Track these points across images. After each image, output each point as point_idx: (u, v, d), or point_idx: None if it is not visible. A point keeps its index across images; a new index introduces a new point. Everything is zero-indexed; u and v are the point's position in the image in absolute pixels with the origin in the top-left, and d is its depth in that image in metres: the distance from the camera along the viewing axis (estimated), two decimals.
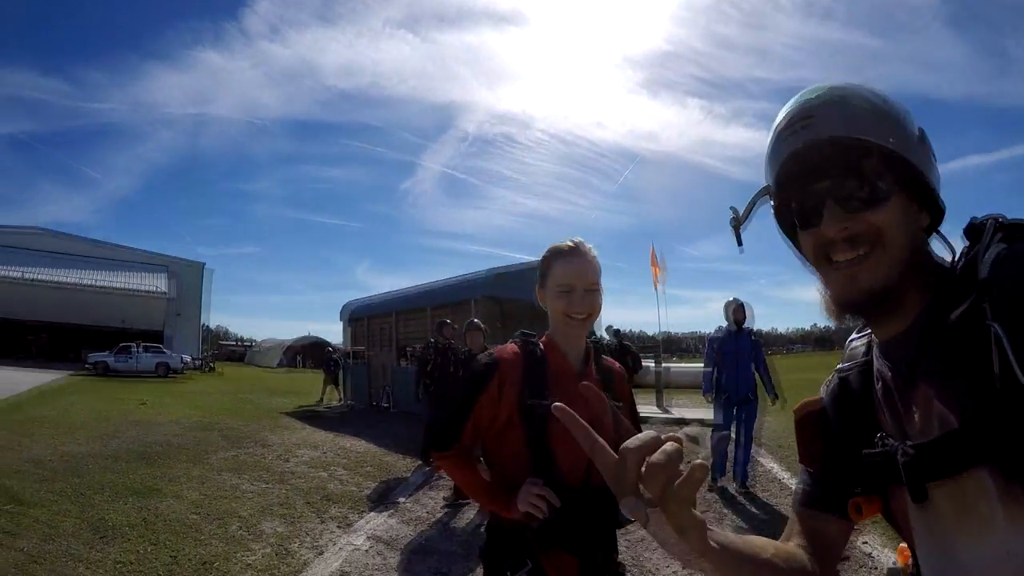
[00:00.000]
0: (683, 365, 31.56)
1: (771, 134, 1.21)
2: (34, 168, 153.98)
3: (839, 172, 1.09)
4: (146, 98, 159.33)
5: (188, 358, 45.70)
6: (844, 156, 1.07)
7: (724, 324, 9.24)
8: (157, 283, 56.54)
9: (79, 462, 10.09)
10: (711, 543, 0.93)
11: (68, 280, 53.85)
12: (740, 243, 1.41)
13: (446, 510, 8.31)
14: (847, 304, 1.13)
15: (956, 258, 1.09)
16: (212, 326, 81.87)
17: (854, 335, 1.32)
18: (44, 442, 11.94)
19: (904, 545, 1.25)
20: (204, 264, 64.12)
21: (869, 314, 1.15)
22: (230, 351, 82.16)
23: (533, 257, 24.62)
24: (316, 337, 73.38)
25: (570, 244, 2.33)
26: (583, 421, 1.04)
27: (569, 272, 2.27)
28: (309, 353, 69.35)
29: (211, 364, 52.36)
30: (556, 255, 2.33)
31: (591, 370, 2.32)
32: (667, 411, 18.70)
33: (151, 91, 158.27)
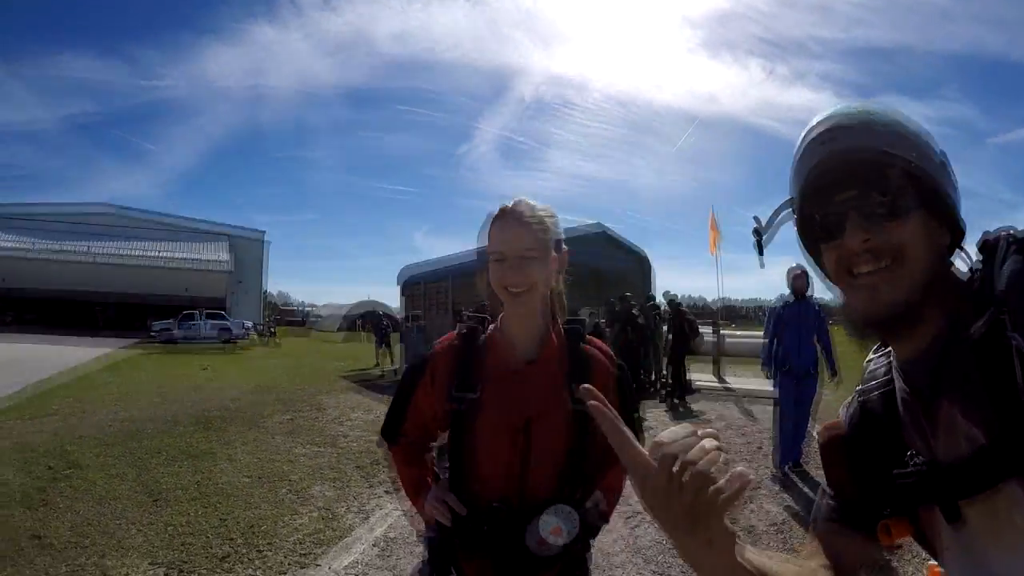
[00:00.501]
0: (742, 334, 30.97)
1: (797, 146, 1.20)
2: (96, 147, 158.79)
3: (862, 184, 1.09)
4: (202, 73, 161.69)
5: (249, 324, 46.87)
6: (868, 169, 1.08)
7: (786, 293, 8.75)
8: (219, 253, 58.36)
9: (138, 428, 10.47)
10: (740, 560, 0.92)
11: (132, 253, 55.94)
12: (761, 253, 1.41)
13: None
14: (869, 320, 1.11)
15: (973, 274, 1.09)
16: (274, 293, 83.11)
17: (871, 355, 1.30)
18: (106, 409, 12.44)
19: (934, 563, 1.24)
20: (264, 233, 65.62)
21: (890, 330, 1.13)
22: (291, 318, 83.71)
23: (591, 220, 24.48)
24: (374, 302, 74.15)
25: (505, 205, 1.99)
26: (612, 413, 0.95)
27: (499, 237, 1.95)
28: (367, 319, 70.29)
29: (272, 330, 53.44)
30: (490, 219, 2.01)
31: (549, 357, 1.95)
32: (724, 381, 18.51)
33: (207, 66, 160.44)
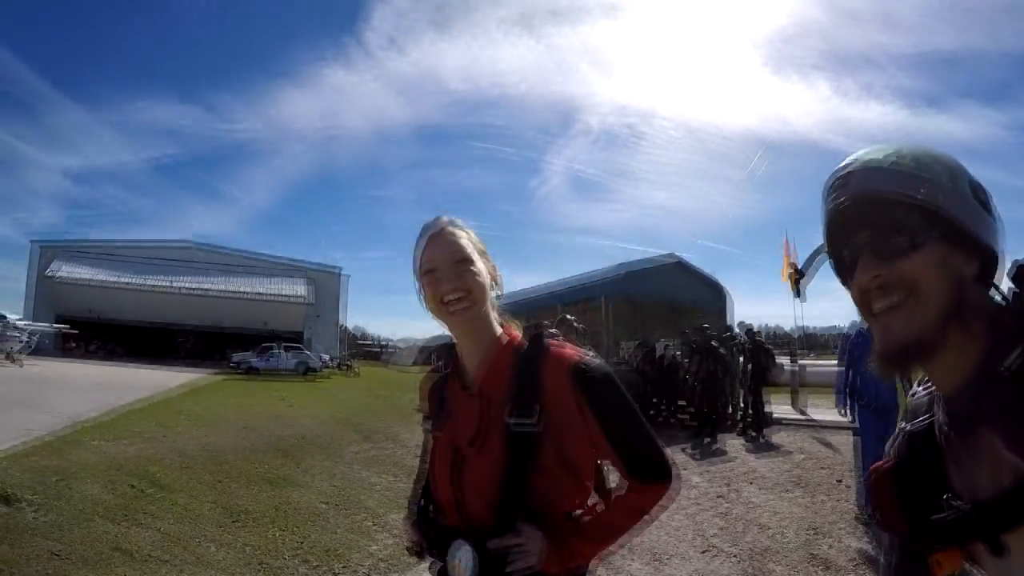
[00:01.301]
0: (821, 363, 30.29)
1: (822, 194, 1.27)
2: (178, 188, 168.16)
3: (873, 225, 1.16)
4: (277, 117, 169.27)
5: (327, 357, 47.90)
6: (876, 210, 1.15)
7: (859, 319, 8.41)
8: (297, 288, 60.88)
9: (219, 452, 10.77)
10: None
11: (213, 287, 58.93)
12: (798, 295, 1.44)
13: None
14: (885, 355, 1.16)
15: (1007, 303, 1.14)
16: (350, 327, 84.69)
17: (916, 387, 1.34)
18: (188, 434, 12.80)
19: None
20: (341, 269, 67.84)
21: (907, 365, 1.17)
22: (367, 351, 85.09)
23: (664, 252, 24.38)
24: (450, 337, 74.96)
25: (427, 224, 1.97)
26: None
27: (428, 254, 1.89)
28: (443, 351, 70.96)
29: (348, 363, 54.45)
30: (418, 240, 1.97)
31: (488, 382, 1.85)
32: (804, 412, 18.06)
33: (281, 110, 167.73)
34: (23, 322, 44.16)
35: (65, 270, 58.20)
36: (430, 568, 1.96)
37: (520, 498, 1.70)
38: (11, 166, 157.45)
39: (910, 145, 1.20)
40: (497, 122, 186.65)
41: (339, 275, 66.73)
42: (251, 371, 40.44)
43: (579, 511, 1.82)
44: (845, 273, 1.27)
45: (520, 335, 1.93)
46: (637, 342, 20.66)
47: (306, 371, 42.00)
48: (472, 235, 1.94)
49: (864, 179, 1.17)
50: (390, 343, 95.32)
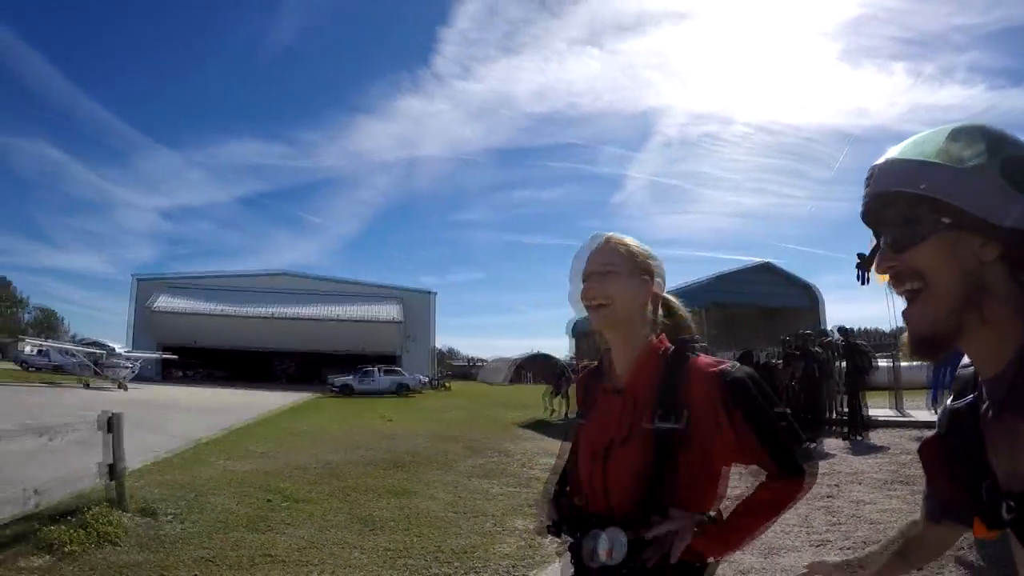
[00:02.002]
0: (920, 363, 29.29)
1: None
2: (267, 222, 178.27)
3: (888, 219, 1.21)
4: (358, 149, 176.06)
5: (424, 378, 48.75)
6: (886, 205, 1.21)
7: None
8: (390, 312, 62.67)
9: (338, 468, 11.22)
10: None
11: (309, 314, 61.16)
12: (860, 281, 1.50)
13: None
14: (911, 345, 1.20)
15: None
16: (442, 348, 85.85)
17: (965, 358, 1.34)
18: (304, 451, 13.42)
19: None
20: (434, 293, 69.96)
21: (932, 353, 1.20)
22: (459, 370, 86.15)
23: (752, 258, 24.09)
24: (541, 352, 75.36)
25: (595, 236, 2.15)
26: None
27: (583, 259, 2.09)
28: (534, 368, 71.27)
29: (444, 383, 55.38)
30: (579, 250, 2.16)
31: (637, 385, 1.98)
32: (904, 414, 17.64)
33: (362, 142, 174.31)
34: (128, 351, 46.22)
35: (165, 302, 61.19)
36: (558, 549, 2.15)
37: (662, 495, 1.82)
38: (109, 209, 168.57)
39: (942, 130, 1.21)
40: (575, 140, 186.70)
41: (431, 296, 68.34)
42: (350, 393, 41.69)
43: (712, 512, 1.93)
44: None
45: (668, 344, 2.03)
46: (741, 352, 20.54)
47: (398, 388, 43.00)
48: (634, 250, 2.06)
49: (880, 175, 1.22)
50: (479, 361, 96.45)
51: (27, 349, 58.26)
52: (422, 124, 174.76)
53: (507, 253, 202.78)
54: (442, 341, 78.12)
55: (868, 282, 1.46)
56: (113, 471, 7.46)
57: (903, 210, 1.17)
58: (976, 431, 1.22)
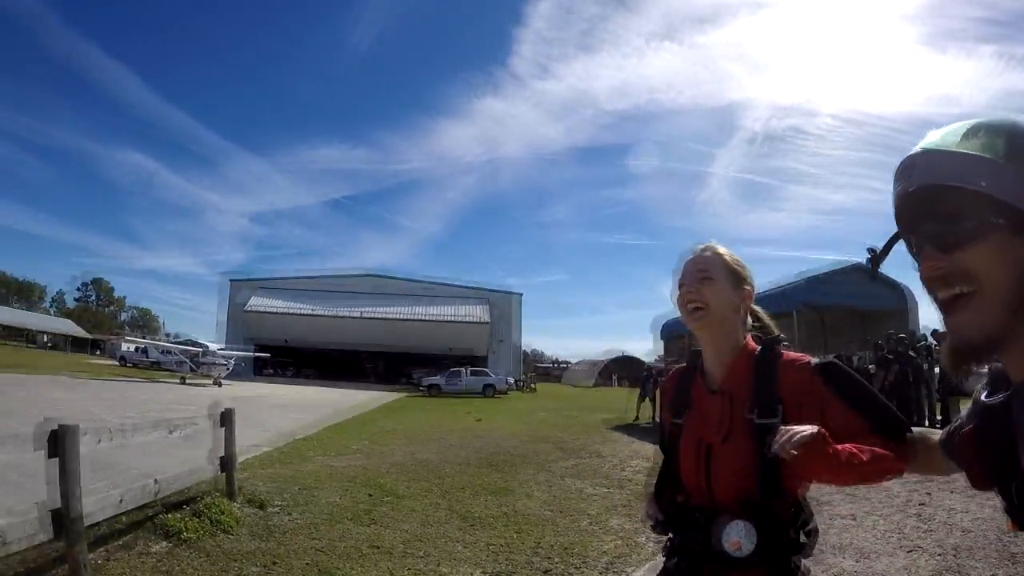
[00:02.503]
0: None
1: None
2: (355, 224, 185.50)
3: (934, 215, 1.14)
4: (441, 151, 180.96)
5: (510, 379, 49.18)
6: (936, 201, 1.13)
7: None
8: (478, 312, 63.93)
9: (435, 466, 11.53)
10: None
11: (397, 313, 62.77)
12: (875, 277, 1.53)
13: None
14: (955, 353, 1.16)
15: None
16: (527, 349, 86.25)
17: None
18: (400, 449, 13.83)
19: None
20: (521, 294, 70.91)
21: (977, 362, 1.17)
22: (545, 371, 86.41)
23: (844, 257, 23.55)
24: (627, 354, 75.25)
25: (694, 245, 2.27)
26: None
27: (683, 264, 2.22)
28: (620, 370, 71.06)
29: (529, 384, 55.70)
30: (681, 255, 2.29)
31: (732, 384, 2.09)
32: None
33: (444, 144, 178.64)
34: (223, 349, 47.85)
35: (257, 302, 63.29)
36: (665, 547, 2.20)
37: (766, 488, 1.91)
38: (201, 213, 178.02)
39: (992, 120, 1.16)
40: (656, 137, 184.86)
41: (517, 298, 69.15)
42: (433, 390, 42.75)
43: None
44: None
45: (756, 345, 2.15)
46: (833, 356, 20.16)
47: (485, 389, 43.64)
48: (727, 259, 2.18)
49: (926, 167, 1.15)
50: (563, 362, 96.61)
51: (126, 347, 61.16)
52: (503, 125, 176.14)
53: (591, 253, 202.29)
54: (527, 342, 78.37)
55: (877, 277, 1.52)
56: (224, 463, 7.82)
57: (954, 207, 1.11)
58: (1008, 430, 1.20)
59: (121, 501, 5.92)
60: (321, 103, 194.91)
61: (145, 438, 7.06)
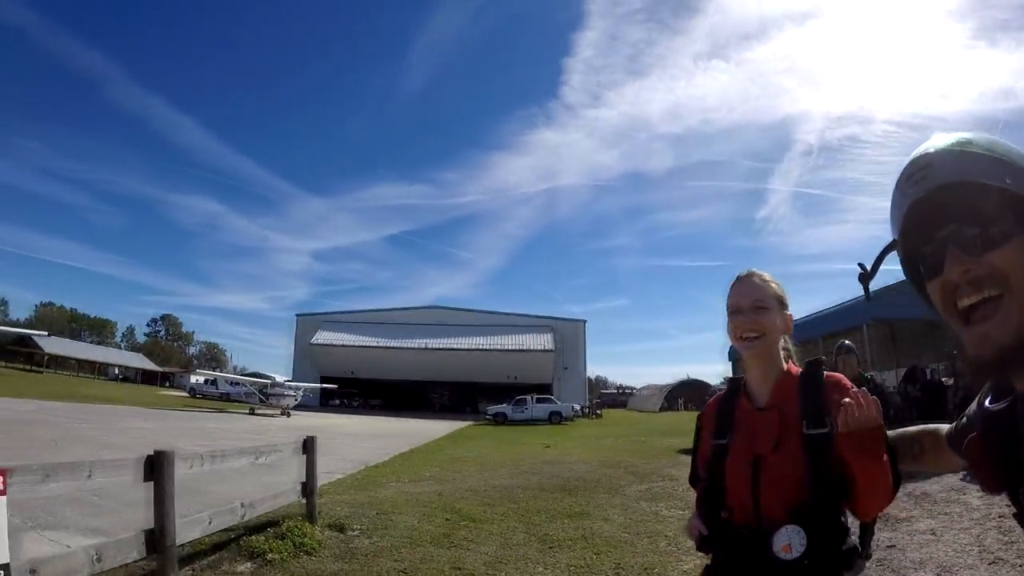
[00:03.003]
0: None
1: (894, 187, 1.28)
2: (415, 258, 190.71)
3: (959, 217, 1.12)
4: (499, 184, 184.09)
5: (577, 407, 49.21)
6: (962, 201, 1.10)
7: None
8: (542, 341, 63.98)
9: (510, 491, 11.61)
10: None
11: (462, 345, 63.44)
12: (868, 298, 1.61)
13: None
14: (981, 362, 1.13)
15: None
16: (591, 376, 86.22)
17: None
18: (473, 476, 13.99)
19: None
20: (585, 321, 70.79)
21: (1004, 370, 1.16)
22: (609, 398, 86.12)
23: None
24: (692, 378, 74.82)
25: (740, 273, 2.37)
26: None
27: (734, 294, 2.31)
28: (686, 394, 70.60)
29: (597, 411, 55.60)
30: (730, 285, 2.37)
31: (780, 401, 2.18)
32: None
33: (502, 177, 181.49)
34: (293, 382, 48.85)
35: (323, 336, 64.62)
36: (707, 570, 2.24)
37: (819, 494, 1.98)
38: (264, 253, 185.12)
39: (982, 134, 1.16)
40: (712, 157, 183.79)
41: (582, 325, 69.17)
42: (500, 419, 43.46)
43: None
44: (920, 272, 1.26)
45: (797, 367, 2.28)
46: (907, 369, 19.97)
47: (551, 417, 43.86)
48: (775, 287, 2.30)
49: (947, 166, 1.12)
50: (627, 389, 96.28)
51: (196, 379, 62.91)
52: (558, 154, 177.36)
53: (652, 278, 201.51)
54: (590, 370, 78.33)
55: (871, 298, 1.60)
56: (306, 488, 8.02)
57: (983, 205, 1.09)
58: (1013, 436, 1.19)
59: (210, 523, 6.13)
60: (379, 144, 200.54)
61: (235, 464, 7.27)
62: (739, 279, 2.33)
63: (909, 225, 1.21)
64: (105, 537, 5.82)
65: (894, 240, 1.32)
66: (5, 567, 3.65)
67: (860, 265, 1.52)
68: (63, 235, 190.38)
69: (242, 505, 6.70)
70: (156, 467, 5.33)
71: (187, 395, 58.81)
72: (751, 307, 2.23)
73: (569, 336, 66.71)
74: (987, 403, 1.31)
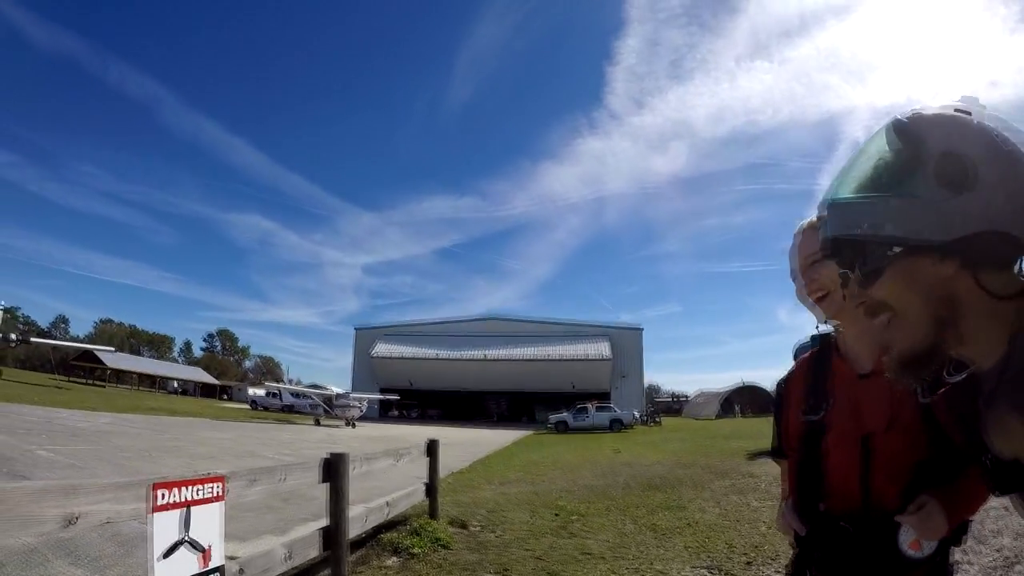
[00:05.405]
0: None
1: (795, 232, 1.52)
2: (466, 270, 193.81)
3: (846, 262, 1.25)
4: (547, 193, 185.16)
5: (636, 414, 49.61)
6: (840, 249, 1.23)
7: None
8: (600, 350, 64.66)
9: (601, 490, 12.42)
10: None
11: (519, 355, 64.54)
12: (844, 301, 1.76)
13: None
14: (894, 369, 1.22)
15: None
16: (645, 384, 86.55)
17: None
18: (560, 477, 14.82)
19: None
20: (642, 329, 71.00)
21: (915, 374, 1.22)
22: (663, 405, 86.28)
23: None
24: (748, 383, 74.64)
25: (794, 231, 2.14)
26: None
27: (791, 255, 2.11)
28: (742, 400, 70.49)
29: (656, 418, 55.99)
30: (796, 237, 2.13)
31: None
32: None
33: (549, 187, 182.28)
34: (355, 394, 49.80)
35: (381, 348, 65.77)
36: (792, 564, 2.06)
37: (935, 479, 1.74)
38: (318, 268, 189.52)
39: (865, 150, 1.23)
40: (759, 159, 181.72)
41: (639, 333, 69.68)
42: (560, 427, 44.24)
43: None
44: None
45: None
46: None
47: (612, 424, 44.56)
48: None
49: (827, 223, 1.23)
50: (682, 396, 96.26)
51: (255, 392, 64.07)
52: (605, 162, 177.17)
53: (704, 283, 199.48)
54: (647, 378, 78.53)
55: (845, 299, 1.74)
56: (429, 489, 8.84)
57: (854, 250, 1.20)
58: (975, 406, 1.23)
59: (366, 520, 6.90)
60: (426, 158, 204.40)
61: (381, 465, 8.01)
62: (794, 237, 2.11)
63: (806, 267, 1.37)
64: (241, 541, 6.63)
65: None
66: (220, 568, 4.03)
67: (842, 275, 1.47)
68: (121, 255, 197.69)
69: (387, 504, 7.49)
70: (332, 469, 5.99)
71: (248, 407, 59.89)
72: (806, 265, 2.00)
73: (626, 344, 67.23)
74: (947, 376, 1.33)
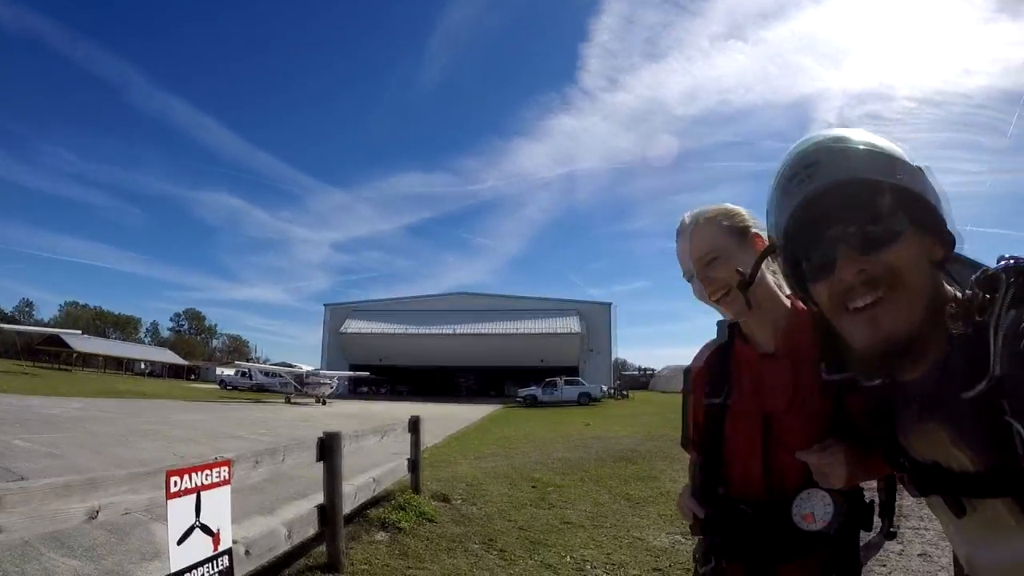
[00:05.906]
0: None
1: (772, 186, 1.24)
2: (436, 246, 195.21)
3: (850, 215, 1.10)
4: (518, 170, 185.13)
5: (605, 388, 50.17)
6: (853, 198, 1.09)
7: None
8: (570, 325, 65.01)
9: (575, 463, 12.68)
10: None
11: (489, 330, 64.78)
12: (750, 307, 1.64)
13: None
14: (870, 354, 1.14)
15: (970, 302, 1.05)
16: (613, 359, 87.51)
17: None
18: (533, 451, 15.10)
19: None
20: (611, 304, 71.38)
21: (895, 364, 1.15)
22: (631, 380, 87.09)
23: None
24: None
25: (677, 228, 2.05)
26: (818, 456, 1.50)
27: (680, 256, 2.01)
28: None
29: (624, 392, 56.51)
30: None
31: (792, 346, 1.81)
32: None
33: (520, 164, 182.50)
34: (326, 371, 49.72)
35: (352, 325, 65.97)
36: (698, 547, 1.96)
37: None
38: (287, 245, 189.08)
39: (858, 129, 1.16)
40: (731, 138, 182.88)
41: (609, 308, 70.26)
42: (534, 404, 44.41)
43: None
44: (805, 274, 1.23)
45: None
46: None
47: (581, 398, 45.13)
48: (719, 220, 1.93)
49: (835, 164, 1.10)
50: (649, 370, 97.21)
51: (225, 372, 63.77)
52: (576, 139, 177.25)
53: (673, 259, 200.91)
54: (614, 352, 79.26)
55: (752, 306, 1.67)
56: (412, 464, 9.04)
57: (873, 203, 1.08)
58: (889, 414, 1.23)
59: (355, 497, 7.05)
60: (398, 134, 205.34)
61: (368, 443, 8.16)
62: (679, 232, 2.01)
63: (794, 226, 1.16)
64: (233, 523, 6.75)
65: (772, 242, 1.32)
66: (228, 552, 4.09)
67: (739, 272, 1.52)
68: (87, 236, 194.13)
69: (374, 480, 7.67)
70: (327, 449, 6.15)
71: (218, 387, 59.82)
72: (700, 266, 1.89)
73: (596, 319, 67.83)
74: (860, 378, 1.33)
